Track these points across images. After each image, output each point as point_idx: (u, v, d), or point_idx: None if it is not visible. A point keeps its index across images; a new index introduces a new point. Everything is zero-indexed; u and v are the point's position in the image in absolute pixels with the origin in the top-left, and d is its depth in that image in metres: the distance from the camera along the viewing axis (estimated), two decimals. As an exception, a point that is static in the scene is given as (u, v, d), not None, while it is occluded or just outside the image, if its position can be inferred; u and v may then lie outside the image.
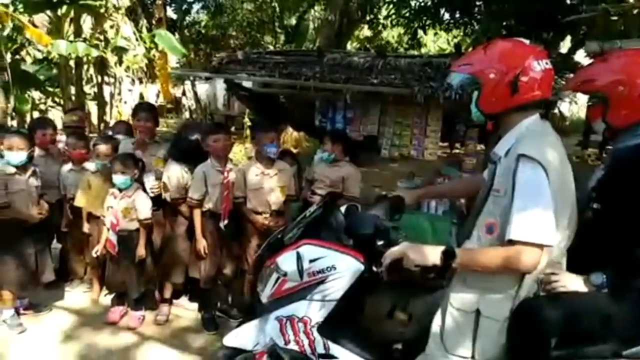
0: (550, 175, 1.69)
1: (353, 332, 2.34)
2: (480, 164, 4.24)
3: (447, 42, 17.39)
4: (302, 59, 4.89)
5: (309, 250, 2.20)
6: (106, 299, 4.05)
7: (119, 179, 3.52)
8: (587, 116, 2.15)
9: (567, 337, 1.76)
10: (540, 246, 1.68)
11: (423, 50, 17.00)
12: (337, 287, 2.17)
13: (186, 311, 3.98)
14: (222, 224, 3.62)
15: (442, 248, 1.82)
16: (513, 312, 1.80)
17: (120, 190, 3.57)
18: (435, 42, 20.07)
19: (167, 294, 3.86)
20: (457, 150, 5.90)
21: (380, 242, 2.06)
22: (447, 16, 9.70)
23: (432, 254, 1.82)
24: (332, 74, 4.42)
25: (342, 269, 2.16)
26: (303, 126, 6.25)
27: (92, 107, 11.23)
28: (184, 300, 4.08)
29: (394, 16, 9.54)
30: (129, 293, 3.73)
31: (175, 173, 3.63)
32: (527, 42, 1.86)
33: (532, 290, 1.82)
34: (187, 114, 16.18)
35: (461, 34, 11.62)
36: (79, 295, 4.16)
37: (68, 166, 4.06)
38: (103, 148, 3.77)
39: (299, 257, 2.17)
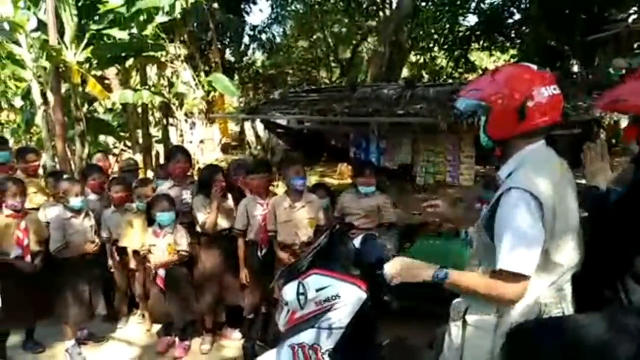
0: (544, 204, 1.68)
1: (366, 357, 2.40)
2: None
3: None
4: (334, 95, 5.08)
5: (315, 279, 2.30)
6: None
7: (164, 216, 3.78)
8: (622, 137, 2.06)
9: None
10: (525, 277, 1.69)
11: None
12: (342, 315, 2.25)
13: (230, 340, 4.14)
14: (259, 254, 3.83)
15: (435, 267, 1.85)
16: (508, 336, 1.78)
17: (162, 227, 3.84)
18: (494, 64, 19.70)
19: (209, 324, 4.05)
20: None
21: (379, 272, 2.13)
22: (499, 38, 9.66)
23: (424, 273, 1.86)
24: (360, 107, 4.55)
25: (346, 297, 2.25)
26: (341, 158, 6.44)
27: (159, 148, 12.07)
28: (229, 330, 4.24)
29: (435, 47, 9.64)
30: (174, 323, 3.97)
31: (199, 205, 3.89)
32: (534, 67, 1.82)
33: (534, 313, 1.79)
34: (248, 151, 16.80)
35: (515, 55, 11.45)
36: (134, 326, 4.45)
37: (111, 209, 4.30)
38: (145, 190, 4.13)
39: (301, 287, 2.27)
